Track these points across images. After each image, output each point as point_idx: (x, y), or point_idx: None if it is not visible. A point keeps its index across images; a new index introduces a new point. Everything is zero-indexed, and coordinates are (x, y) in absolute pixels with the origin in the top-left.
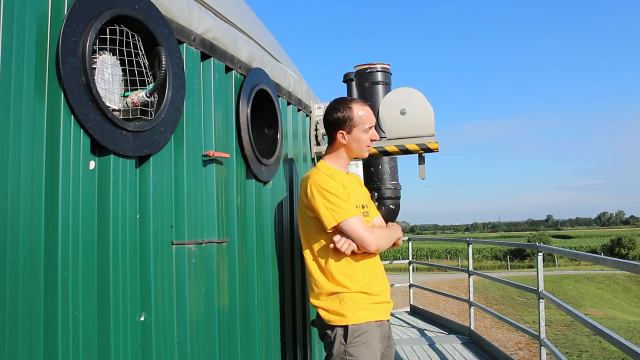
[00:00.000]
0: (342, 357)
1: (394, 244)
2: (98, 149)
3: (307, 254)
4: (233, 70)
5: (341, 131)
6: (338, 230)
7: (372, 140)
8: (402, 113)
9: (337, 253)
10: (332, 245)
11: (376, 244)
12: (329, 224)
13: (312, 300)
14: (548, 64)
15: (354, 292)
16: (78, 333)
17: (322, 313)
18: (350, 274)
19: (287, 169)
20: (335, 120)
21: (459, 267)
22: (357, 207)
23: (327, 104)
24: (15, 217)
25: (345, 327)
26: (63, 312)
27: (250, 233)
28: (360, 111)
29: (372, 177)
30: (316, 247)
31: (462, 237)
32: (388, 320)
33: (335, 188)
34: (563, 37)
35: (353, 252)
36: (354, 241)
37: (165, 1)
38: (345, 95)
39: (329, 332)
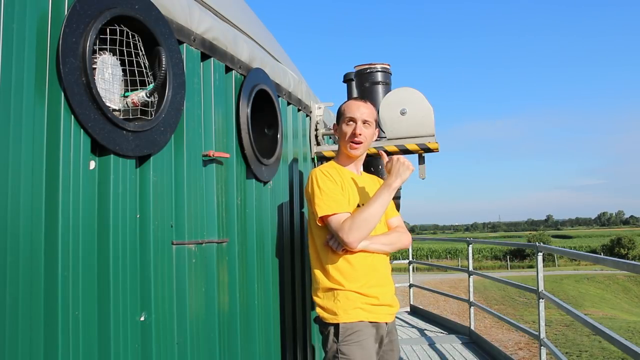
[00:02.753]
0: (334, 354)
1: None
2: (98, 149)
3: (311, 250)
4: (233, 71)
5: (335, 124)
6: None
7: (355, 135)
8: (402, 113)
9: (335, 250)
10: (325, 242)
11: (353, 243)
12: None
13: (314, 297)
14: (548, 64)
15: (348, 290)
16: (78, 333)
17: (318, 311)
18: (346, 273)
19: (287, 169)
20: (335, 117)
21: (459, 267)
22: (358, 205)
23: (329, 103)
24: (15, 218)
25: (337, 325)
26: (63, 312)
27: (250, 233)
28: (348, 105)
29: None
30: (318, 242)
31: (462, 237)
32: (388, 323)
33: (325, 183)
34: (563, 37)
35: (348, 251)
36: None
37: (165, 1)
38: (346, 96)
39: (324, 329)
